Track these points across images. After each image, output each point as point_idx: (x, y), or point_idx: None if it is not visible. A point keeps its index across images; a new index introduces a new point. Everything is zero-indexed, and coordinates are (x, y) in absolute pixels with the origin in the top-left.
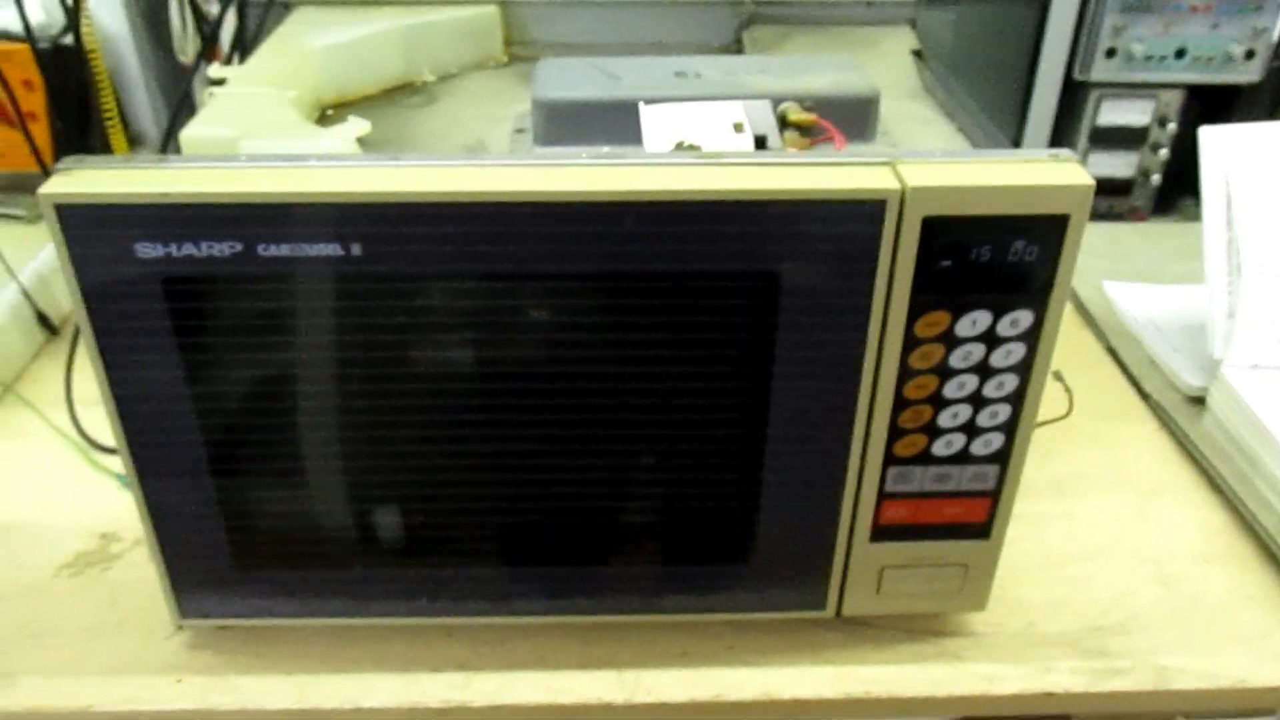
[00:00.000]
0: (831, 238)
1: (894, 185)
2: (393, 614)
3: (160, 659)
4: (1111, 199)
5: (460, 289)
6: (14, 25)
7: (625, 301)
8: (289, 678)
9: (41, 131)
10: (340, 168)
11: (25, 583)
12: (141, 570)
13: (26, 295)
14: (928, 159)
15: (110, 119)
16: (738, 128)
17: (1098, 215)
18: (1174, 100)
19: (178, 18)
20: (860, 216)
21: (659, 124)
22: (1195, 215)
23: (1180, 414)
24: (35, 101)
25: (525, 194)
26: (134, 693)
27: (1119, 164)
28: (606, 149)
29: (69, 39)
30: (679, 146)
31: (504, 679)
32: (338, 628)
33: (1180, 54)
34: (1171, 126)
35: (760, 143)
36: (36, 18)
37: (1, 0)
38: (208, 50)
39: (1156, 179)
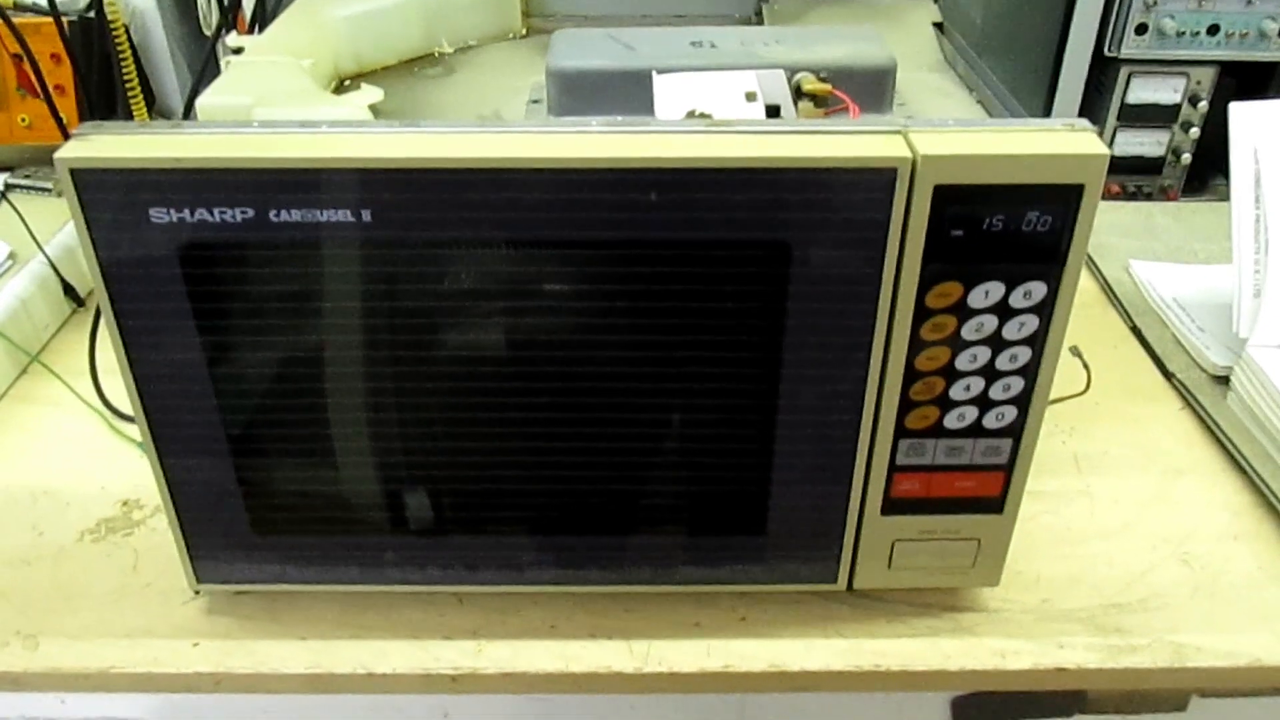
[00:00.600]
0: (842, 206)
1: (905, 153)
2: (406, 581)
3: (179, 623)
4: (1141, 178)
5: (469, 256)
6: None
7: (634, 269)
8: (303, 643)
9: (69, 105)
10: (351, 134)
11: (50, 548)
12: (162, 536)
13: (53, 266)
14: (940, 128)
15: (133, 91)
16: (750, 97)
17: (1127, 194)
18: (1206, 78)
19: None
20: (871, 185)
21: (671, 94)
22: (1227, 195)
23: (1204, 393)
24: (63, 75)
25: (532, 160)
26: (152, 655)
27: (1149, 142)
28: (620, 119)
29: (112, 11)
30: (690, 115)
31: (515, 647)
32: (352, 594)
33: (1213, 30)
34: (1203, 105)
35: (773, 112)
36: None
37: None
38: (229, 20)
39: (1187, 158)
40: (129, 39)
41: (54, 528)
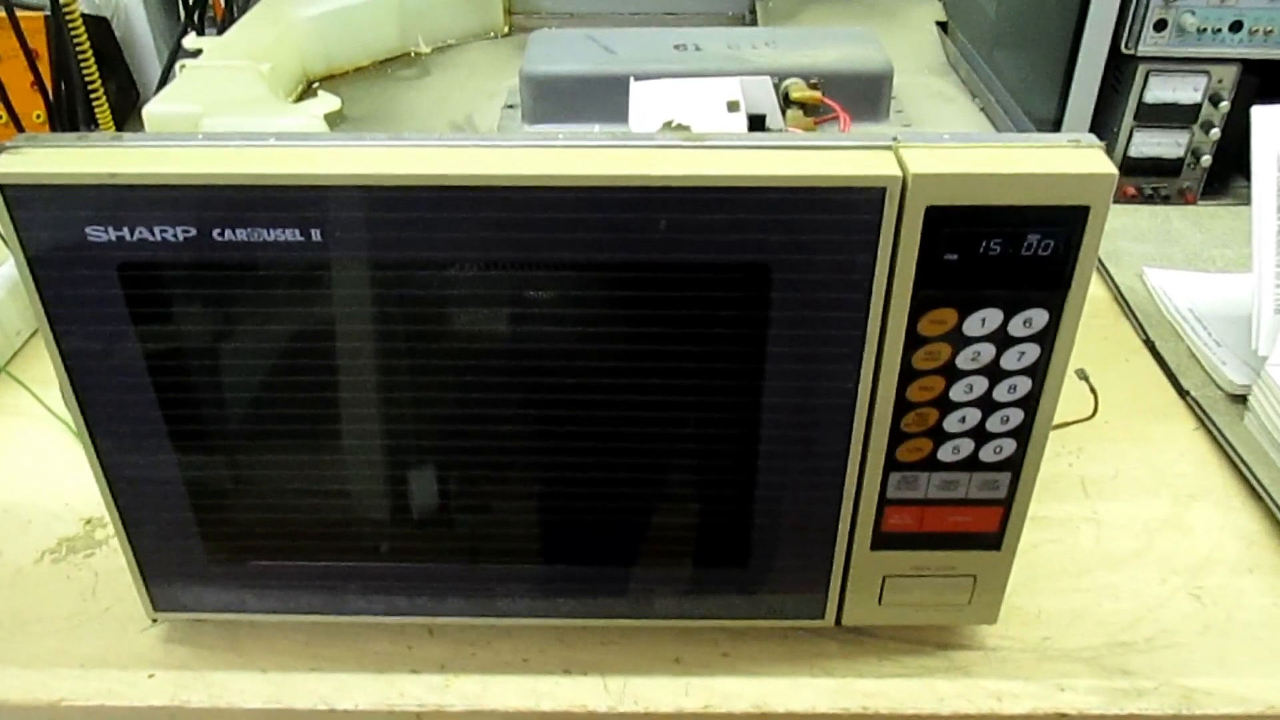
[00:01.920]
0: (826, 227)
1: (894, 172)
2: (371, 611)
3: (136, 652)
4: (1158, 180)
5: (423, 277)
6: None
7: (599, 293)
8: (263, 675)
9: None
10: (299, 148)
11: (7, 570)
12: (124, 559)
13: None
14: (934, 143)
15: (95, 91)
16: (732, 106)
17: (1144, 197)
18: (1228, 76)
19: None
20: (858, 205)
21: (648, 102)
22: (1249, 198)
23: (1220, 413)
24: (40, 73)
25: (489, 178)
26: (106, 686)
27: (1167, 143)
28: (597, 128)
29: (70, 6)
30: (667, 126)
31: (485, 682)
32: (318, 624)
33: (1236, 27)
34: (1224, 104)
35: (758, 122)
36: None
37: None
38: (193, 20)
39: (1207, 160)
40: (109, 32)
41: (12, 548)
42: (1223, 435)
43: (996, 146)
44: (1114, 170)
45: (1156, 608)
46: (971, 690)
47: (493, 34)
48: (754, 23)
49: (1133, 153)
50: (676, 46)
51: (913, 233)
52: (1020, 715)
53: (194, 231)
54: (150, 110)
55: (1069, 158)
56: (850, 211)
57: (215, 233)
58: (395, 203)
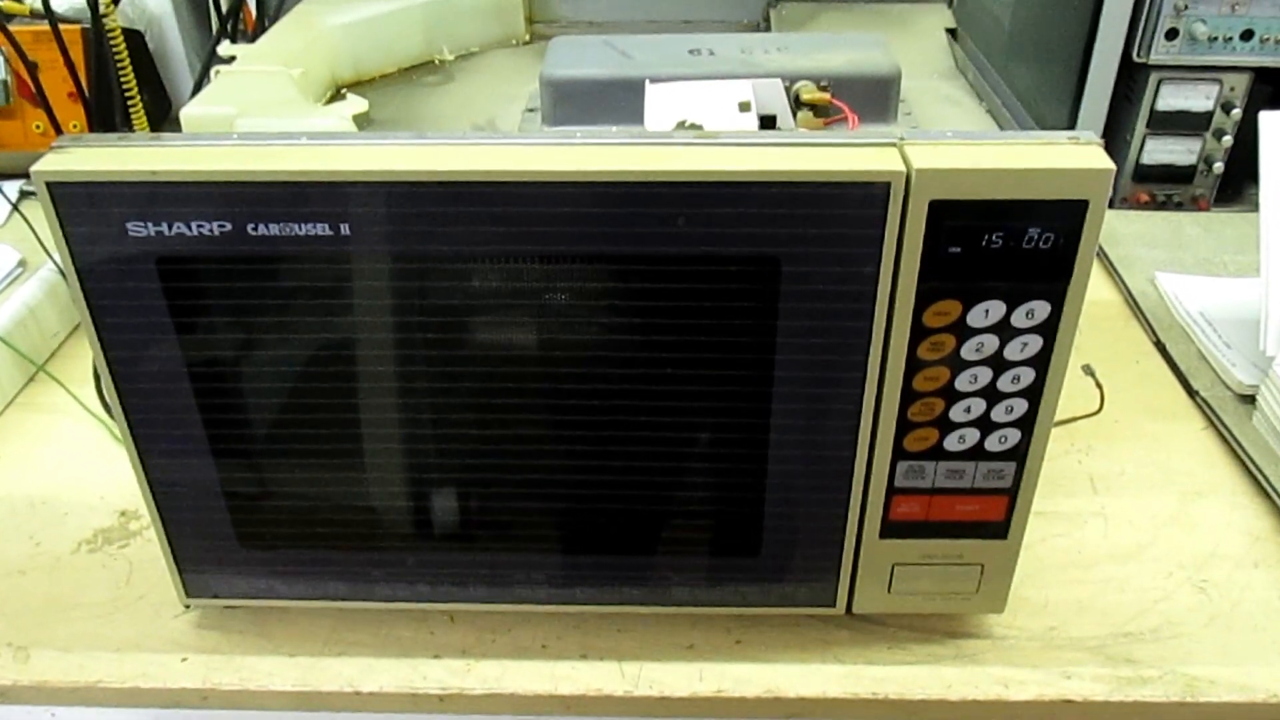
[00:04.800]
0: (833, 221)
1: (899, 167)
2: (395, 598)
3: (169, 636)
4: (1171, 187)
5: (448, 270)
6: (59, 7)
7: (616, 284)
8: (291, 659)
9: (79, 112)
10: (329, 147)
11: (46, 558)
12: (157, 549)
13: (63, 273)
14: (938, 140)
15: (133, 100)
16: (744, 107)
17: (1156, 203)
18: (1240, 84)
19: None
20: (863, 200)
21: (663, 103)
22: None
23: (1229, 413)
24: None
25: (511, 173)
26: (141, 669)
27: (1180, 150)
28: (614, 130)
29: (110, 20)
30: (680, 126)
31: (505, 666)
32: (343, 610)
33: (1247, 35)
34: (1236, 112)
35: (768, 122)
36: (77, 0)
37: None
38: (226, 29)
39: (1220, 166)
40: (143, 45)
41: (51, 538)
42: (1231, 434)
43: (998, 143)
44: (1111, 165)
45: (1162, 600)
46: (978, 677)
47: (514, 41)
48: (767, 29)
49: (1145, 160)
50: (691, 51)
51: (917, 226)
52: (1026, 702)
53: (229, 226)
54: (187, 112)
55: (1068, 154)
56: (857, 206)
57: (249, 227)
58: (420, 198)
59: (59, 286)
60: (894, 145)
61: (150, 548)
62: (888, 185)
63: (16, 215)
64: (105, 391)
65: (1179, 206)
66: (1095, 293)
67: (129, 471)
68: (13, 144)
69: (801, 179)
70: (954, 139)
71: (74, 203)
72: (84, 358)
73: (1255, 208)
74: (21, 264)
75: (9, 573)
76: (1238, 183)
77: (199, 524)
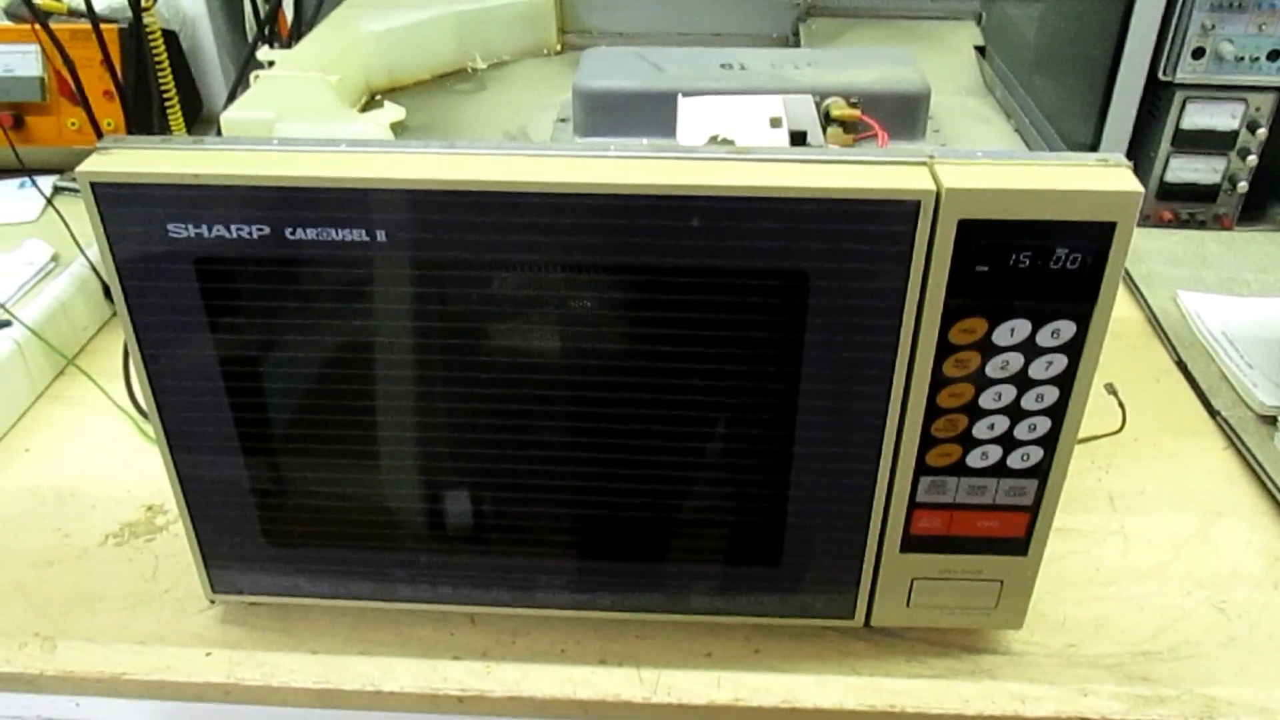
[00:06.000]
0: (863, 238)
1: (929, 186)
2: (417, 599)
3: (193, 631)
4: (1195, 205)
5: (481, 278)
6: (99, 6)
7: (647, 295)
8: (313, 656)
9: (117, 111)
10: (368, 154)
11: (73, 550)
12: (183, 543)
13: (94, 269)
14: (968, 159)
15: (170, 100)
16: (775, 123)
17: (1180, 221)
18: (1266, 104)
19: (249, 1)
20: (893, 217)
21: (695, 117)
22: None
23: (1250, 433)
24: (114, 81)
25: (544, 184)
26: (165, 662)
27: (1204, 169)
28: (645, 141)
29: (148, 19)
30: (712, 140)
31: (524, 670)
32: (365, 610)
33: (1274, 55)
34: (1262, 131)
35: (799, 138)
36: (115, 1)
37: None
38: (264, 34)
39: (1244, 186)
40: (178, 45)
41: (78, 530)
42: (1252, 454)
43: (1028, 164)
44: (1140, 188)
45: (1181, 619)
46: (995, 692)
47: (546, 51)
48: (797, 44)
49: (1170, 178)
50: (723, 65)
51: (945, 244)
52: (1043, 718)
53: (267, 230)
54: (228, 116)
55: (1097, 175)
56: (886, 223)
57: (287, 231)
58: (456, 206)
59: (90, 281)
60: (924, 164)
61: (176, 542)
62: (917, 203)
63: (50, 211)
64: (139, 388)
65: (1202, 225)
66: (1117, 310)
67: (156, 466)
68: (48, 140)
69: (832, 196)
70: (984, 158)
71: (117, 202)
72: (113, 353)
73: (1279, 227)
74: (54, 259)
75: (37, 563)
76: (1262, 202)
77: (226, 520)
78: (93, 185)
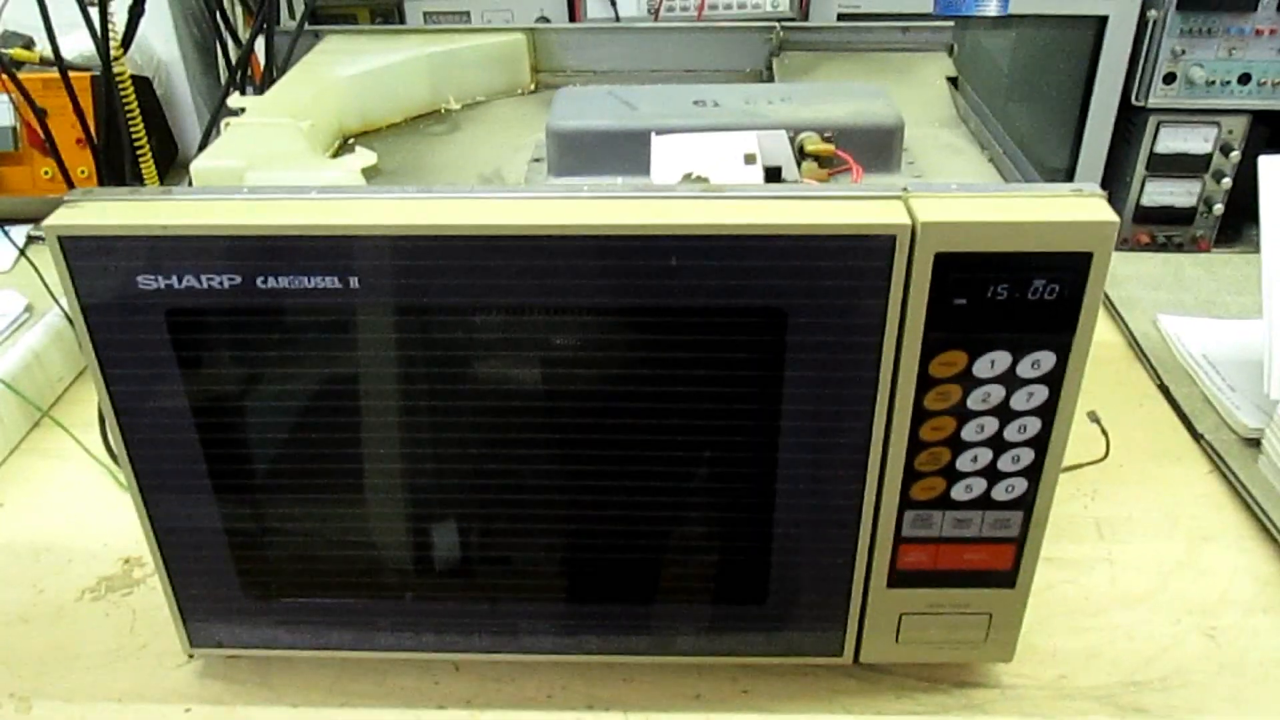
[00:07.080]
0: (839, 273)
1: (904, 220)
2: (400, 647)
3: (171, 686)
4: (1172, 228)
5: (457, 322)
6: (72, 54)
7: (625, 336)
8: (294, 710)
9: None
10: (339, 200)
11: (49, 606)
12: (161, 596)
13: (69, 318)
14: (943, 192)
15: (141, 148)
16: (749, 159)
17: (1157, 245)
18: (1238, 127)
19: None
20: (869, 252)
21: (669, 155)
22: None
23: (1234, 456)
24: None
25: (517, 227)
26: None
27: (1180, 192)
28: (620, 180)
29: (118, 68)
30: (687, 178)
31: (510, 717)
32: (348, 660)
33: (1244, 79)
34: (1235, 154)
35: (774, 174)
36: (86, 47)
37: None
38: (235, 81)
39: (1220, 208)
40: (151, 91)
41: (54, 585)
42: (1236, 478)
43: (1003, 196)
44: (1115, 218)
45: (1171, 647)
46: None
47: (520, 90)
48: (770, 79)
49: (1145, 202)
50: (696, 102)
51: (922, 278)
52: None
53: (239, 279)
54: (197, 165)
55: (1072, 206)
56: (862, 258)
57: (259, 280)
58: (429, 251)
59: (65, 332)
60: (899, 198)
61: (153, 595)
62: (893, 238)
63: (24, 261)
64: (111, 439)
65: (1179, 248)
66: (1097, 335)
67: (133, 518)
68: (21, 190)
69: (808, 232)
70: (959, 191)
71: (85, 255)
72: (89, 403)
73: (1256, 248)
74: (28, 309)
75: (11, 621)
76: (1238, 224)
77: (203, 572)
78: (60, 239)
